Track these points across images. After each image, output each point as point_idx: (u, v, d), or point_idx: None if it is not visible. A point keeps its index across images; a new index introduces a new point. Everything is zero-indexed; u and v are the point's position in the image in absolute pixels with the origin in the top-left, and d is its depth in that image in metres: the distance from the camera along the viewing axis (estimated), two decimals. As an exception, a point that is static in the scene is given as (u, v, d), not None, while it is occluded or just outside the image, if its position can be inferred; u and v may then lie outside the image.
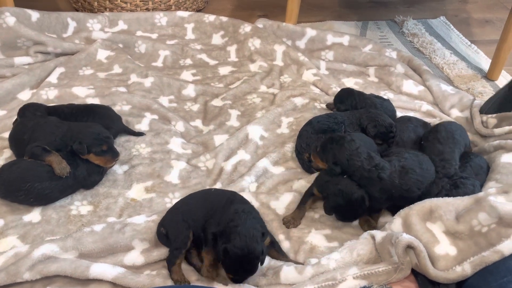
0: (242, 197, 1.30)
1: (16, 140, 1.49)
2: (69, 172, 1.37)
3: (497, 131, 1.64)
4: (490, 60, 2.21)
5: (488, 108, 1.73)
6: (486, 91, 2.07)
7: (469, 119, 1.77)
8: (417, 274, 1.13)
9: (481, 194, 1.24)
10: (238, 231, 1.12)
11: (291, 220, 1.36)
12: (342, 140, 1.36)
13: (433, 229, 1.19)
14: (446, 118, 1.82)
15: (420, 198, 1.31)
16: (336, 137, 1.39)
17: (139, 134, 1.67)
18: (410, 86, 2.00)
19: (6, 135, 1.57)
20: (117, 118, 1.66)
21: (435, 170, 1.39)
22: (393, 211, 1.33)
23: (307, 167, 1.55)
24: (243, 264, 1.11)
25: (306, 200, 1.40)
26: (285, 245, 1.30)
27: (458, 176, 1.38)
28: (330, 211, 1.35)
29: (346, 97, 1.75)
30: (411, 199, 1.33)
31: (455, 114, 1.84)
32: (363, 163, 1.33)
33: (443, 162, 1.39)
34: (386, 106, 1.73)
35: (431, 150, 1.45)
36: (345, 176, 1.36)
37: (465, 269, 1.08)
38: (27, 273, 1.14)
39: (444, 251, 1.14)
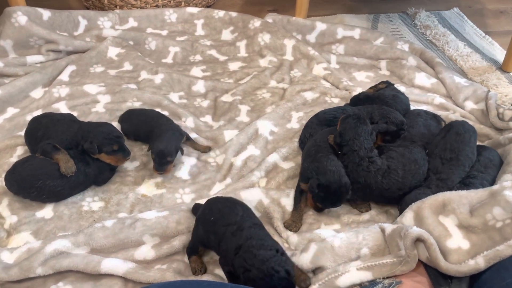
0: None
1: (31, 137, 1.51)
2: (74, 172, 1.38)
3: (513, 123, 1.61)
4: (505, 52, 2.16)
5: None
6: (501, 83, 2.03)
7: (484, 111, 1.73)
8: (428, 268, 1.11)
9: (496, 187, 1.21)
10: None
11: (293, 224, 1.34)
12: (360, 122, 1.39)
13: (445, 222, 1.17)
14: (459, 111, 1.79)
15: (402, 197, 1.33)
16: (360, 116, 1.42)
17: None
18: (423, 79, 1.97)
19: (19, 132, 1.59)
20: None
21: (428, 185, 1.34)
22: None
23: None
24: None
25: (298, 199, 1.38)
26: (293, 239, 1.29)
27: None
28: (316, 188, 1.30)
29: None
30: (391, 199, 1.35)
31: (470, 106, 1.80)
32: (360, 150, 1.36)
33: (438, 181, 1.34)
34: (402, 99, 1.68)
35: (431, 166, 1.39)
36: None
37: (478, 262, 1.06)
38: (40, 268, 1.16)
39: (456, 245, 1.12)
